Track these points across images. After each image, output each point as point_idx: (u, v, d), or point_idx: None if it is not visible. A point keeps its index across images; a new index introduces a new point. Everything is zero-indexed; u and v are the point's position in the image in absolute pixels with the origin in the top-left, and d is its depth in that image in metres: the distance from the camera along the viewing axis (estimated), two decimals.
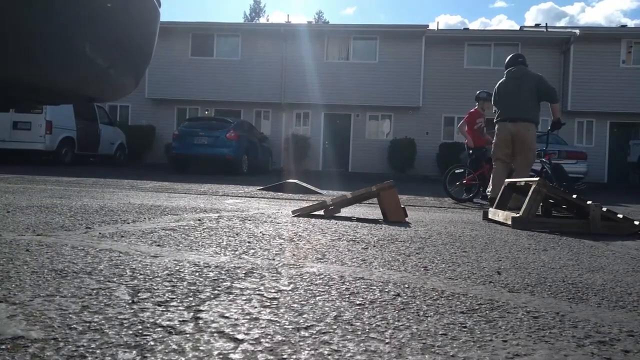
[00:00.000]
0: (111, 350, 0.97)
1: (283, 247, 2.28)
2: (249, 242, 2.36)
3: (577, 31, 17.51)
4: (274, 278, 1.66)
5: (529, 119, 5.46)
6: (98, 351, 0.96)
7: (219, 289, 1.48)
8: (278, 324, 1.19)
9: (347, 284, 1.63)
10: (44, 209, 3.30)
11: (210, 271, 1.71)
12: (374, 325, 1.22)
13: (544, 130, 5.92)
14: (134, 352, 0.97)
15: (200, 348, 1.01)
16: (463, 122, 7.32)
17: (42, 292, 1.35)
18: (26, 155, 12.50)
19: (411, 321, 1.27)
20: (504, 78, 5.70)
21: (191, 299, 1.36)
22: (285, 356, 0.99)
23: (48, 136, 12.04)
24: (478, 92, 7.30)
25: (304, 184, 7.30)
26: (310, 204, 3.98)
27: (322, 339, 1.10)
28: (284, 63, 18.55)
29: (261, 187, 7.26)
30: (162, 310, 1.24)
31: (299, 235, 2.68)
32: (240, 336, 1.09)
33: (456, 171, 7.12)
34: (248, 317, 1.23)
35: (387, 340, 1.11)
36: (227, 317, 1.22)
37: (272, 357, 0.98)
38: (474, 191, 6.82)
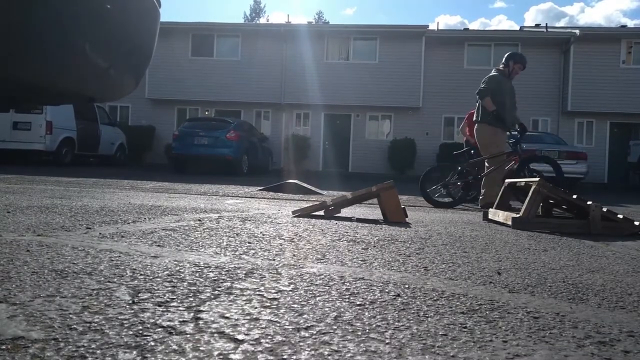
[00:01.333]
0: (111, 350, 0.97)
1: (283, 248, 2.28)
2: (249, 243, 2.36)
3: (577, 31, 17.51)
4: (274, 278, 1.66)
5: (476, 120, 5.85)
6: (98, 351, 0.96)
7: (219, 289, 1.48)
8: (278, 325, 1.19)
9: (348, 284, 1.63)
10: (44, 209, 3.31)
11: (210, 271, 1.71)
12: (374, 325, 1.22)
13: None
14: (135, 352, 0.97)
15: (201, 348, 1.01)
16: (464, 123, 7.46)
17: (43, 293, 1.35)
18: (26, 156, 12.50)
19: (411, 321, 1.27)
20: None
21: (191, 299, 1.36)
22: (285, 356, 0.99)
23: (48, 136, 12.04)
24: None
25: (304, 185, 7.30)
26: (311, 205, 3.98)
27: (322, 339, 1.10)
28: (284, 63, 18.55)
29: (261, 188, 7.26)
30: (162, 311, 1.24)
31: (299, 236, 2.68)
32: (240, 336, 1.09)
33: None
34: (248, 317, 1.23)
35: (387, 341, 1.11)
36: (227, 318, 1.22)
37: (272, 358, 0.98)
38: (472, 194, 6.83)
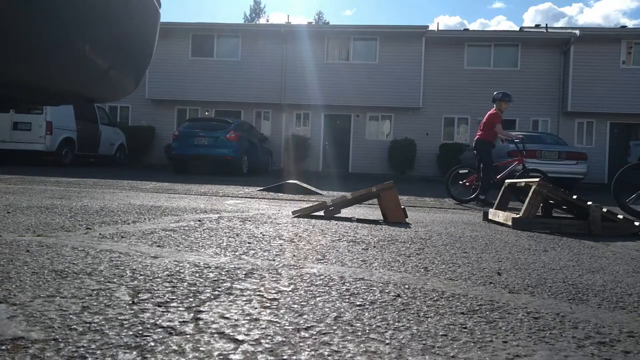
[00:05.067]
0: (111, 351, 0.97)
1: (283, 248, 2.28)
2: (249, 243, 2.36)
3: (577, 32, 17.51)
4: (274, 279, 1.66)
5: None
6: (98, 352, 0.96)
7: (219, 289, 1.48)
8: (278, 325, 1.18)
9: (347, 284, 1.63)
10: (44, 210, 3.30)
11: (210, 272, 1.71)
12: (374, 326, 1.22)
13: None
14: (135, 352, 0.97)
15: (201, 349, 1.01)
16: (497, 125, 6.86)
17: (43, 293, 1.35)
18: (26, 156, 12.50)
19: (411, 322, 1.27)
20: None
21: (191, 299, 1.36)
22: (285, 357, 0.99)
23: (48, 137, 12.04)
24: (494, 92, 7.17)
25: (304, 185, 7.30)
26: (311, 205, 3.98)
27: (322, 339, 1.10)
28: (284, 64, 18.55)
29: (261, 188, 7.26)
30: (162, 311, 1.24)
31: (299, 236, 2.68)
32: (240, 337, 1.09)
33: (460, 172, 7.06)
34: (248, 317, 1.23)
35: (387, 341, 1.11)
36: (227, 318, 1.22)
37: (272, 358, 0.98)
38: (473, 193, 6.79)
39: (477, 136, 7.04)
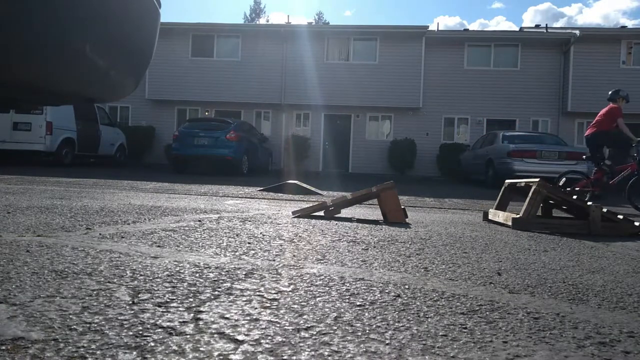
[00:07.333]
0: (111, 351, 0.97)
1: (283, 248, 2.28)
2: (249, 243, 2.36)
3: (578, 32, 17.51)
4: (274, 279, 1.66)
5: None
6: (98, 352, 0.96)
7: (219, 290, 1.48)
8: (278, 325, 1.19)
9: (348, 285, 1.63)
10: (44, 210, 3.31)
11: (210, 272, 1.71)
12: (374, 326, 1.22)
13: None
14: (135, 353, 0.97)
15: (201, 349, 1.01)
16: (618, 118, 7.24)
17: (43, 293, 1.35)
18: (26, 156, 12.50)
19: (411, 322, 1.27)
20: None
21: (191, 300, 1.36)
22: (285, 357, 0.99)
23: (48, 137, 12.04)
24: (618, 90, 7.37)
25: (304, 185, 7.30)
26: (311, 205, 3.98)
27: (323, 339, 1.10)
28: (284, 64, 18.56)
29: (261, 188, 7.26)
30: (162, 311, 1.24)
31: (299, 236, 2.68)
32: (240, 337, 1.09)
33: (570, 177, 7.05)
34: (248, 318, 1.23)
35: (387, 341, 1.11)
36: (227, 318, 1.22)
37: (272, 358, 0.98)
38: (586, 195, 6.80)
39: (594, 129, 7.19)
